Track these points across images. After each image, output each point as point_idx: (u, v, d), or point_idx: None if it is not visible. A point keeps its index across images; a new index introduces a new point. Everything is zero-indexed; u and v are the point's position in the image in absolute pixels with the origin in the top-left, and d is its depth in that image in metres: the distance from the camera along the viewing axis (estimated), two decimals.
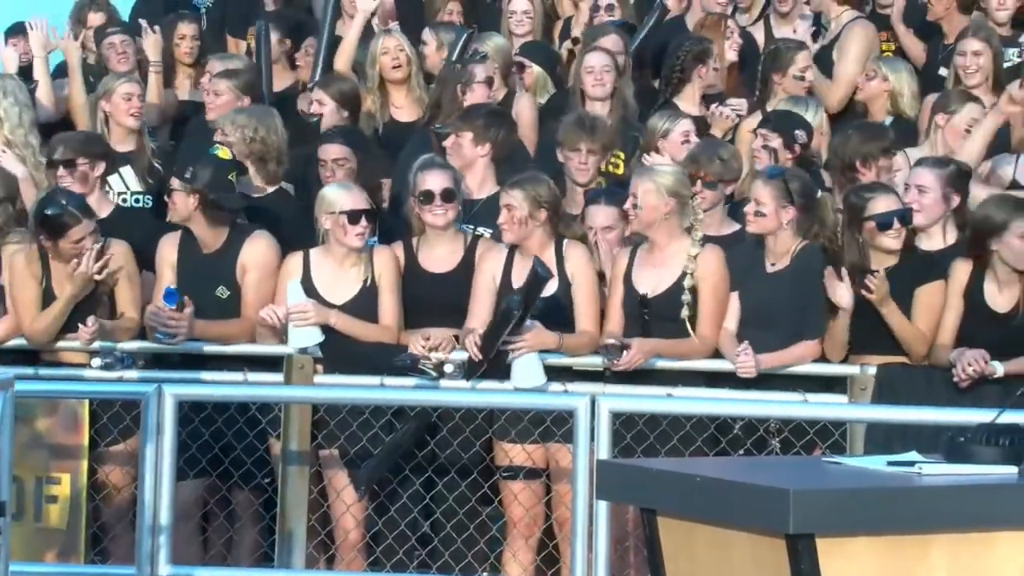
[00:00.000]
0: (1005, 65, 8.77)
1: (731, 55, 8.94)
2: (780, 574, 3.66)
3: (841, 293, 6.80)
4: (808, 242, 6.98)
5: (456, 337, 7.09)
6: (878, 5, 9.48)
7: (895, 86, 8.53)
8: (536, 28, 9.59)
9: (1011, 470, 3.98)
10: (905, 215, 6.98)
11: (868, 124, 8.19)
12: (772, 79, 8.59)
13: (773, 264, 7.01)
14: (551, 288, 6.98)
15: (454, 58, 8.65)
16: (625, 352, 6.80)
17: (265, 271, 7.25)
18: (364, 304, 7.15)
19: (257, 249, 7.25)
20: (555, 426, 6.84)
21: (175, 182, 7.26)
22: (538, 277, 6.78)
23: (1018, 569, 3.79)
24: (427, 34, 9.03)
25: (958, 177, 7.20)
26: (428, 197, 7.21)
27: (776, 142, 7.74)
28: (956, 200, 7.18)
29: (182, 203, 7.25)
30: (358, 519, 7.02)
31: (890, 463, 4.05)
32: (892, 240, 6.91)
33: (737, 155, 7.71)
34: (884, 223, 6.91)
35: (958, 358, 6.75)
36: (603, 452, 6.36)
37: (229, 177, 7.35)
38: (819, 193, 7.19)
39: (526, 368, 6.86)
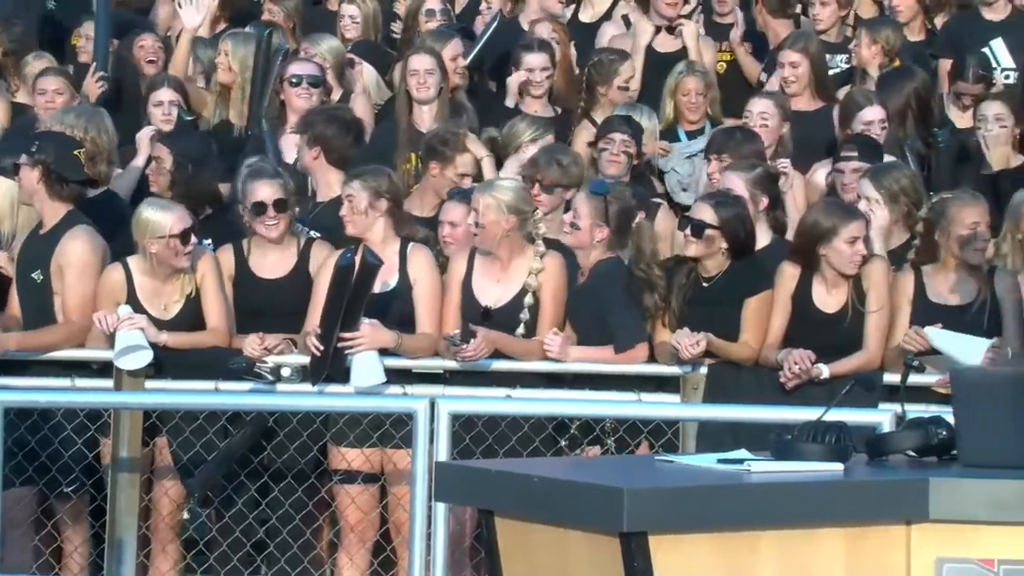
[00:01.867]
0: (832, 72, 8.99)
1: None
2: (615, 572, 3.71)
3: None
4: (609, 255, 7.05)
5: (293, 341, 7.07)
6: (717, 15, 9.62)
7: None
8: (368, 31, 9.61)
9: (837, 467, 4.08)
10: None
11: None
12: (597, 90, 8.70)
13: (581, 276, 7.11)
14: (391, 281, 6.99)
15: (260, 59, 8.64)
16: (472, 340, 6.82)
17: (81, 270, 7.06)
18: (192, 315, 7.07)
19: (74, 248, 7.06)
20: (394, 429, 6.85)
21: (22, 157, 7.16)
22: (367, 264, 6.77)
23: (841, 563, 3.89)
24: (223, 42, 8.94)
25: (764, 179, 7.37)
26: (260, 209, 7.17)
27: (632, 148, 7.88)
28: (764, 202, 7.32)
29: (27, 178, 7.15)
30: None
31: (720, 461, 4.13)
32: (695, 246, 6.99)
33: (579, 160, 7.78)
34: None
35: (784, 358, 6.90)
36: (442, 454, 6.38)
37: (75, 153, 7.26)
38: (638, 218, 7.22)
39: (365, 366, 6.85)
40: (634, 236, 7.05)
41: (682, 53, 9.01)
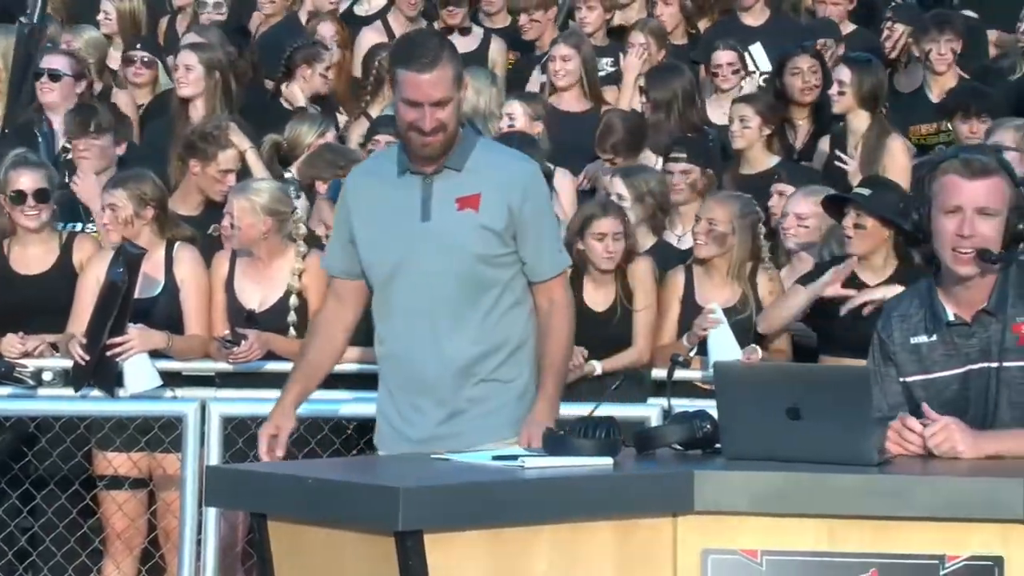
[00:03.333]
0: (600, 74, 9.13)
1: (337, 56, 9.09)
2: (390, 572, 3.72)
3: None
4: None
5: (54, 344, 6.92)
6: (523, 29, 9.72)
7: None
8: (124, 28, 9.50)
9: (607, 461, 4.14)
10: None
11: None
12: (383, 87, 8.72)
13: None
14: (157, 283, 6.90)
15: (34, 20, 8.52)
16: (243, 342, 6.76)
17: None
18: None
19: None
20: (163, 433, 6.75)
21: None
22: (130, 255, 6.65)
23: (611, 556, 3.96)
24: None
25: None
26: (20, 198, 7.03)
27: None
28: None
29: None
30: None
31: (495, 458, 4.17)
32: None
33: (352, 156, 7.78)
34: None
35: None
36: (213, 458, 6.31)
37: None
38: None
39: (138, 371, 6.73)
40: None
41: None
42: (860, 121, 8.15)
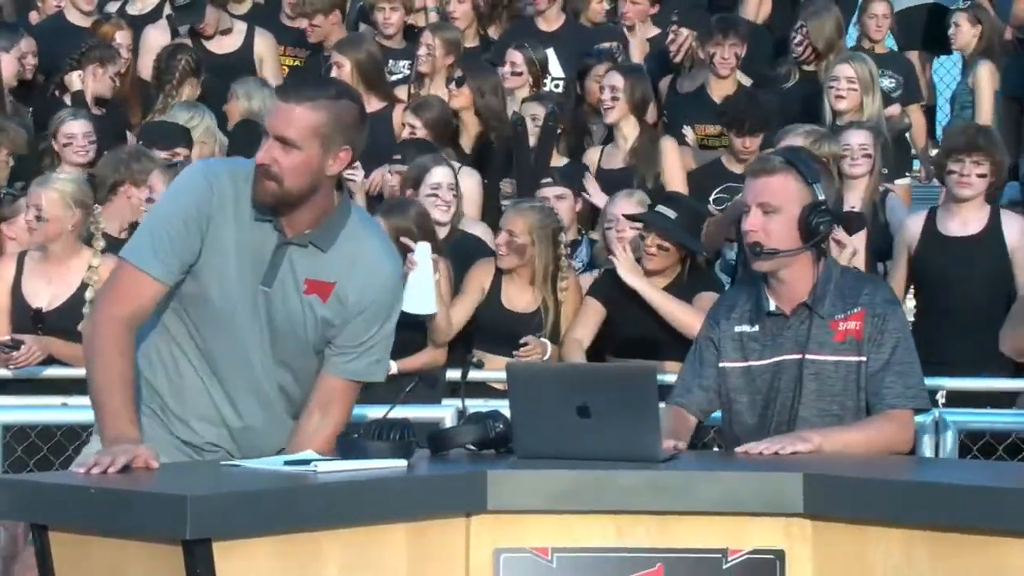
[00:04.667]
0: (395, 77, 9.16)
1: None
2: None
3: None
4: None
5: None
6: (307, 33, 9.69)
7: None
8: None
9: (401, 463, 4.16)
10: None
11: None
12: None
13: None
14: None
15: None
16: (23, 346, 6.65)
17: None
18: None
19: None
20: None
21: None
22: None
23: (403, 558, 3.97)
24: None
25: None
26: None
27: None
28: None
29: None
30: None
31: (287, 463, 4.15)
32: None
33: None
34: None
35: None
36: None
37: None
38: None
39: None
40: None
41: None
42: (631, 128, 8.29)
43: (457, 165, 7.85)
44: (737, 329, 4.64)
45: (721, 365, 4.65)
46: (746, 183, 4.63)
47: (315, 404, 4.40)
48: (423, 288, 6.77)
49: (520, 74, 8.85)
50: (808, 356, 4.54)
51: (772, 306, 4.60)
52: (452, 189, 7.46)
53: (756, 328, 4.62)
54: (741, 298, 4.69)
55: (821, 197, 4.52)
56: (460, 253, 7.35)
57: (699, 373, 4.68)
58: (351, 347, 4.37)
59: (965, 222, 7.19)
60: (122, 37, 9.10)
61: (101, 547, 3.76)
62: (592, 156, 8.40)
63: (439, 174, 7.45)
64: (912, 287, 7.40)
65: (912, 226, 7.34)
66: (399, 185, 7.67)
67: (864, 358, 4.53)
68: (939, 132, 10.32)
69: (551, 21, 9.56)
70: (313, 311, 4.30)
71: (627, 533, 4.06)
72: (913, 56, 10.35)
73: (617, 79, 8.31)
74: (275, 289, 4.27)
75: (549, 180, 7.87)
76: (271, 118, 4.20)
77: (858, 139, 7.75)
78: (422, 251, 6.80)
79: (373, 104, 8.73)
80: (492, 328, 7.10)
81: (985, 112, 9.29)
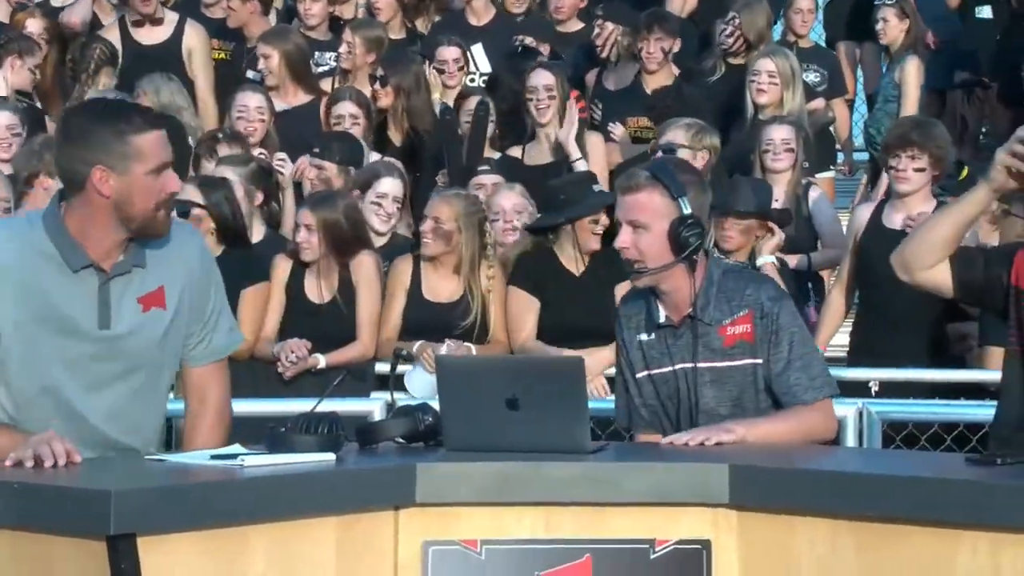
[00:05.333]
0: (321, 68, 9.14)
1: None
2: None
3: None
4: None
5: None
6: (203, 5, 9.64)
7: None
8: None
9: (329, 457, 4.15)
10: None
11: None
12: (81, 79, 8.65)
13: None
14: None
15: None
16: None
17: None
18: None
19: None
20: None
21: None
22: None
23: (331, 551, 3.97)
24: None
25: (258, 174, 7.48)
26: None
27: None
28: (260, 197, 7.47)
29: None
30: None
31: (213, 457, 4.13)
32: None
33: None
34: None
35: (281, 349, 6.97)
36: None
37: None
38: None
39: None
40: None
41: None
42: (556, 123, 8.29)
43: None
44: (638, 338, 4.66)
45: (636, 376, 4.67)
46: (617, 199, 4.60)
47: (193, 399, 4.37)
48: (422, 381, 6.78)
49: (461, 70, 8.86)
50: (701, 364, 4.57)
51: (663, 317, 4.62)
52: (397, 202, 7.50)
53: (652, 337, 4.64)
54: (636, 307, 4.69)
55: (687, 211, 4.51)
56: (396, 254, 7.35)
57: (636, 393, 4.68)
58: (203, 327, 4.30)
59: (909, 216, 7.24)
60: (33, 25, 9.01)
61: (22, 543, 3.72)
62: (515, 153, 8.40)
63: (387, 184, 7.46)
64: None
65: (860, 217, 7.40)
66: (331, 180, 7.67)
67: (759, 360, 4.56)
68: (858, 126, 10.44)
69: (480, 15, 9.56)
70: (162, 321, 4.21)
71: (556, 524, 4.07)
72: (841, 48, 10.43)
73: (548, 77, 8.31)
74: (115, 327, 4.14)
75: (487, 168, 7.87)
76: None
77: (780, 134, 7.81)
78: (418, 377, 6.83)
79: (300, 97, 8.72)
80: (416, 321, 7.08)
81: (911, 106, 9.36)
